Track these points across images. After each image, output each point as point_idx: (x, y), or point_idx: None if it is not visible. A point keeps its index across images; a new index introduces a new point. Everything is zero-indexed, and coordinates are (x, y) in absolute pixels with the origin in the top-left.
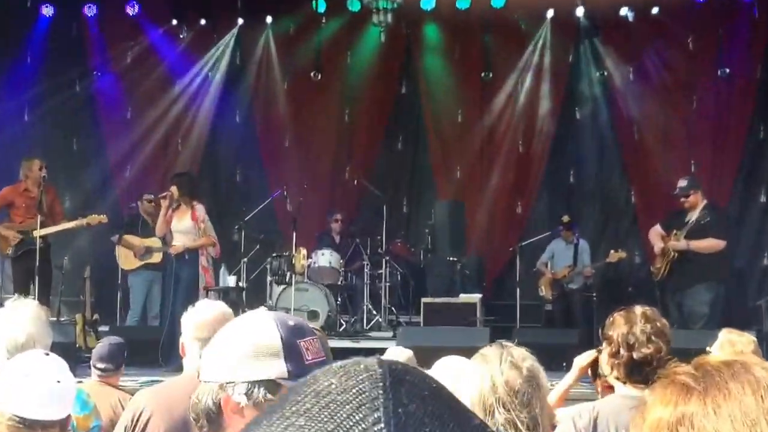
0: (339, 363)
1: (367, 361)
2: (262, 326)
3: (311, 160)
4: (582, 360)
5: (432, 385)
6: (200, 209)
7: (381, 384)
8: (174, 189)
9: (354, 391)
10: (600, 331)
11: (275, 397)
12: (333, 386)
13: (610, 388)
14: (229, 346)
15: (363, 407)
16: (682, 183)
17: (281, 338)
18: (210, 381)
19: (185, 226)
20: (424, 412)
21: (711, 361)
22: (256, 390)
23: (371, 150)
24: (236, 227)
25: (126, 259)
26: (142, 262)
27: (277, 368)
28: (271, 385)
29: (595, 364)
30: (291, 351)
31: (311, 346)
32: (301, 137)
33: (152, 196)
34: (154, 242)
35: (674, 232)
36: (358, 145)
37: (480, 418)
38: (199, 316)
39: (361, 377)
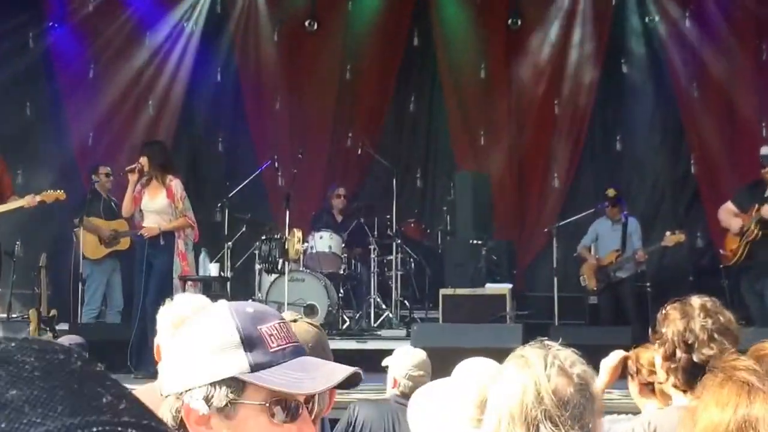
0: None
1: None
2: (215, 319)
3: (307, 125)
4: (610, 361)
5: (54, 362)
6: (176, 185)
7: None
8: (144, 160)
9: None
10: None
11: (241, 397)
12: None
13: (650, 391)
14: (183, 349)
15: None
16: (765, 150)
17: (238, 328)
18: (170, 394)
19: (159, 205)
20: (25, 399)
21: None
22: (216, 392)
23: (378, 112)
24: (218, 205)
25: (91, 246)
26: (110, 250)
27: (238, 363)
28: (235, 384)
29: (626, 363)
30: (251, 341)
31: (276, 331)
32: (295, 98)
33: (109, 169)
34: (120, 224)
35: (756, 206)
36: (362, 107)
37: (115, 402)
38: (177, 312)
39: None
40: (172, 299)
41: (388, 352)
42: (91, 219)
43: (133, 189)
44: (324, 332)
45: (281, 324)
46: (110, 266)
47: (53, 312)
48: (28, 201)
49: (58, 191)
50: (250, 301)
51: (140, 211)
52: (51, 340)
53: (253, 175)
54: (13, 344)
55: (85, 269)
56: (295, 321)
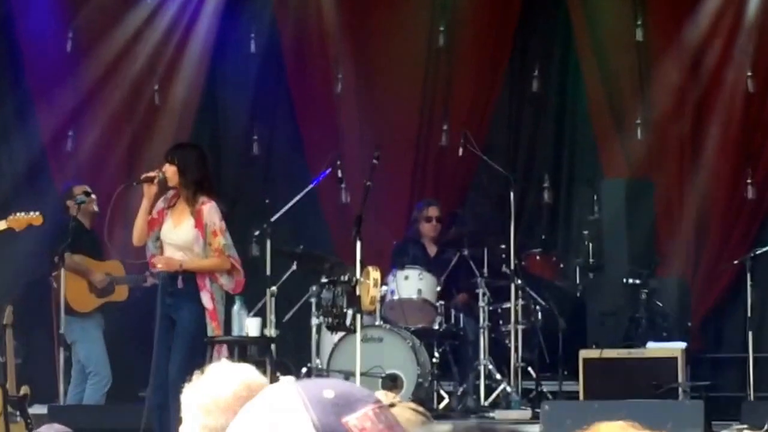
0: None
1: None
2: (283, 410)
3: (382, 116)
4: None
5: None
6: (210, 210)
7: None
8: (171, 170)
9: None
10: None
11: None
12: None
13: None
14: None
15: None
16: None
17: (314, 423)
18: None
19: (183, 237)
20: None
21: None
22: None
23: (485, 97)
24: (256, 234)
25: (77, 295)
26: (102, 301)
27: None
28: None
29: None
30: None
31: (371, 423)
32: (364, 77)
33: (86, 187)
34: (115, 267)
35: None
36: (463, 89)
37: None
38: (210, 393)
39: None
40: (202, 371)
41: None
42: (77, 257)
43: (150, 208)
44: (432, 422)
45: (377, 412)
46: (99, 322)
47: (24, 390)
48: None
49: (32, 213)
50: (326, 379)
51: (156, 240)
52: None
53: (306, 190)
54: None
55: (71, 328)
56: (392, 406)
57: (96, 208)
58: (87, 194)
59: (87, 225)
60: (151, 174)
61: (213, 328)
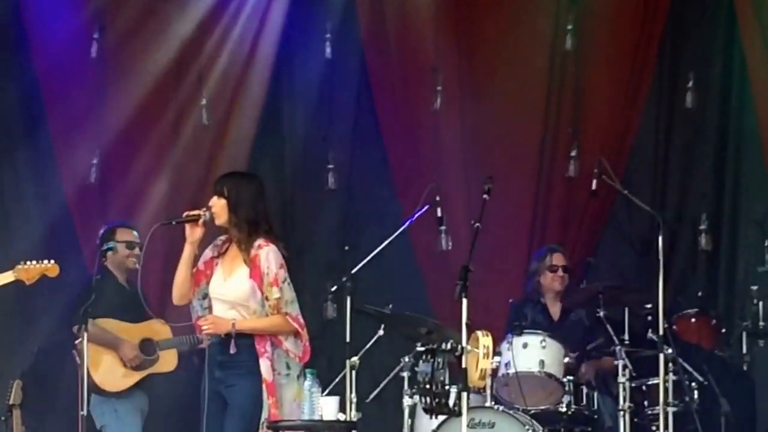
0: None
1: None
2: None
3: (493, 138)
4: None
5: None
6: (268, 255)
7: None
8: (219, 205)
9: None
10: None
11: None
12: None
13: None
14: None
15: None
16: None
17: None
18: None
19: (236, 290)
20: None
21: None
22: None
23: (624, 114)
24: (332, 290)
25: (107, 371)
26: (142, 375)
27: None
28: None
29: None
30: None
31: None
32: (469, 89)
33: (135, 234)
34: (157, 329)
35: None
36: (596, 106)
37: None
38: None
39: None
40: None
41: None
42: (104, 322)
43: (193, 256)
44: None
45: None
46: (137, 404)
47: None
48: None
49: (45, 262)
50: None
51: (203, 298)
52: None
53: (396, 234)
54: None
55: (100, 410)
56: None
57: (135, 263)
58: (130, 246)
59: (121, 279)
60: (196, 212)
61: (268, 406)
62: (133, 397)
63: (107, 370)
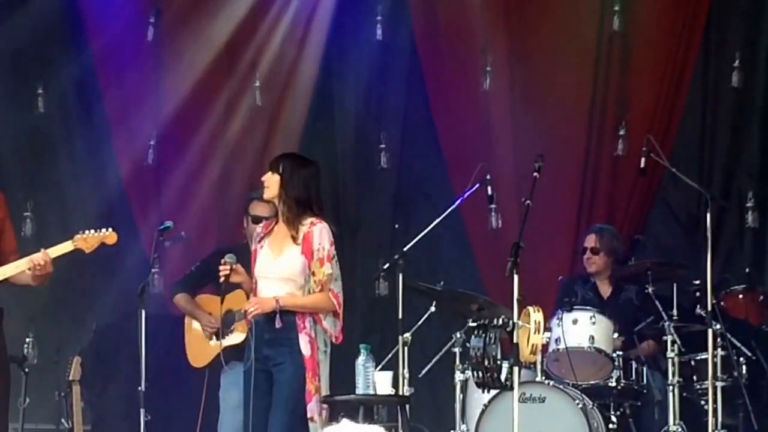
0: None
1: None
2: None
3: (542, 117)
4: None
5: None
6: (321, 231)
7: None
8: (272, 180)
9: None
10: None
11: None
12: None
13: None
14: None
15: None
16: None
17: None
18: None
19: (289, 266)
20: None
21: None
22: None
23: (672, 94)
24: (384, 267)
25: (197, 345)
26: (222, 347)
27: None
28: None
29: None
30: None
31: None
32: (518, 69)
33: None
34: (236, 298)
35: None
36: (644, 85)
37: None
38: None
39: None
40: None
41: None
42: (186, 295)
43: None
44: None
45: None
46: (232, 379)
47: None
48: (36, 260)
49: (104, 231)
50: None
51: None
52: None
53: (447, 212)
54: None
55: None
56: None
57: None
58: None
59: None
60: (223, 269)
61: (308, 380)
62: (228, 370)
63: (194, 342)
